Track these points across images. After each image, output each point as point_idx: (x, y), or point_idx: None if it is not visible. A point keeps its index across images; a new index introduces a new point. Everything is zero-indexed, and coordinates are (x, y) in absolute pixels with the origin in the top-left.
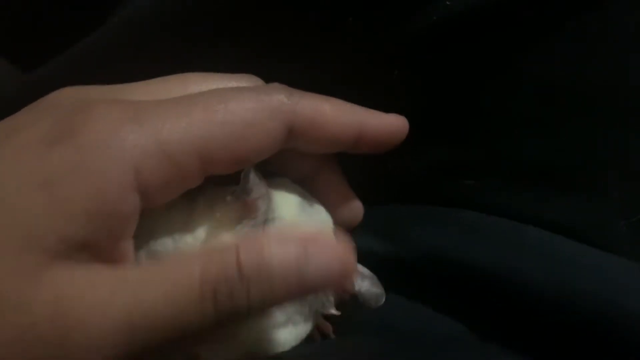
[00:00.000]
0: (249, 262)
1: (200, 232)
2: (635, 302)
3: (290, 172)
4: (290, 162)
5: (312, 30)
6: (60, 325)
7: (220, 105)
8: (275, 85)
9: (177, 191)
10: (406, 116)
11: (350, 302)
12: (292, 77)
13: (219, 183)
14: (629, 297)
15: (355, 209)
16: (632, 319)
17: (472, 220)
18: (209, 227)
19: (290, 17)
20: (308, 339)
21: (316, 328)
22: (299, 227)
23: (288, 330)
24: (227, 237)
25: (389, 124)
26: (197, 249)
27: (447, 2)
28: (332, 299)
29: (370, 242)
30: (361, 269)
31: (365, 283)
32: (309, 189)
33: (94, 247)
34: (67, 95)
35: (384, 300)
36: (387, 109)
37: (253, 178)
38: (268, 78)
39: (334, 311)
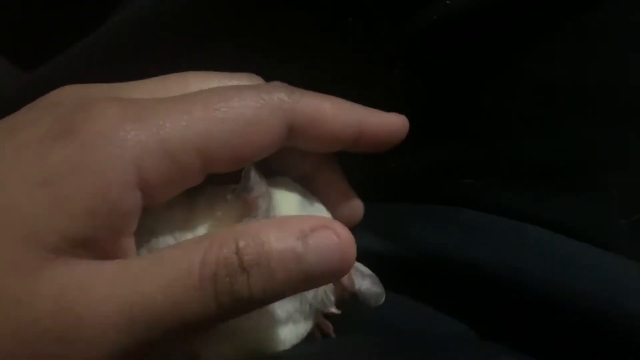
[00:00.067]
0: (248, 250)
1: (201, 231)
2: (635, 302)
3: (290, 170)
4: (290, 160)
5: (312, 30)
6: (62, 321)
7: (221, 104)
8: (276, 83)
9: (178, 189)
10: (406, 116)
11: (350, 301)
12: (292, 77)
13: (220, 182)
14: (629, 297)
15: (356, 207)
16: (632, 319)
17: (472, 219)
18: (210, 225)
19: (290, 17)
20: (308, 338)
21: (317, 327)
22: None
23: (288, 328)
24: None
25: (389, 123)
26: (197, 239)
27: (447, 2)
28: (332, 297)
29: (370, 240)
30: (361, 267)
31: (365, 282)
32: (309, 188)
33: (95, 244)
34: (67, 94)
35: (384, 299)
36: (387, 109)
37: (254, 176)
38: (268, 78)
39: (334, 310)
